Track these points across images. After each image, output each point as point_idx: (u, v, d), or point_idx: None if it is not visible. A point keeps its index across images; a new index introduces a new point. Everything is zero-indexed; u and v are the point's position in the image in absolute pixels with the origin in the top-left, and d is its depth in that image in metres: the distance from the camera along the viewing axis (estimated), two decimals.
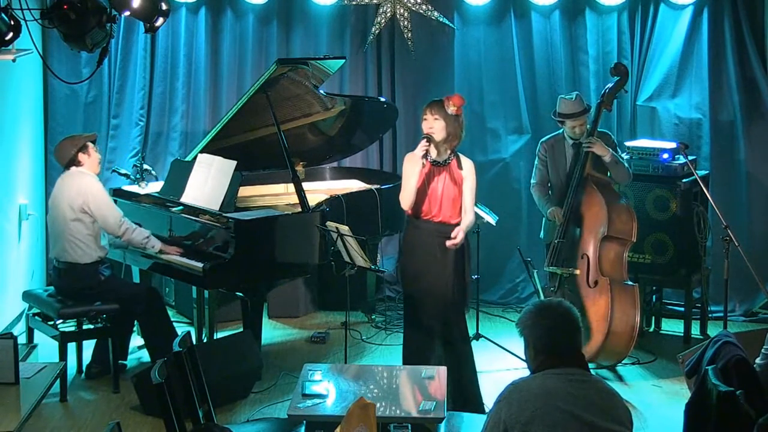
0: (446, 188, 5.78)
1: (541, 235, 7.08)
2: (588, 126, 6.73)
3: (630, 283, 6.66)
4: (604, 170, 6.81)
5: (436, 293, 5.79)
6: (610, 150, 6.67)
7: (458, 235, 5.76)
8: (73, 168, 6.46)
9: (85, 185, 6.38)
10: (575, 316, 3.53)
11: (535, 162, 6.97)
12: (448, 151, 5.81)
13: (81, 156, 6.46)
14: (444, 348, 5.85)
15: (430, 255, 5.79)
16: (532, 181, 6.97)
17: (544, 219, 6.97)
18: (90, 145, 6.52)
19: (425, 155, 5.73)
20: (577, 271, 6.62)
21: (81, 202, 6.36)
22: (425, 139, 5.72)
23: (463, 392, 5.87)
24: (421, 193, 5.77)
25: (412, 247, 5.88)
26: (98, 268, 6.47)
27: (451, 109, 5.72)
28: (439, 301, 5.80)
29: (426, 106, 5.80)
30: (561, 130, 6.86)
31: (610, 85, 6.77)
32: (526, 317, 3.55)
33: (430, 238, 5.81)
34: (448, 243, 5.75)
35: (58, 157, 6.53)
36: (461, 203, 5.82)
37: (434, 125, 5.73)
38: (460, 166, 5.82)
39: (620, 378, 6.71)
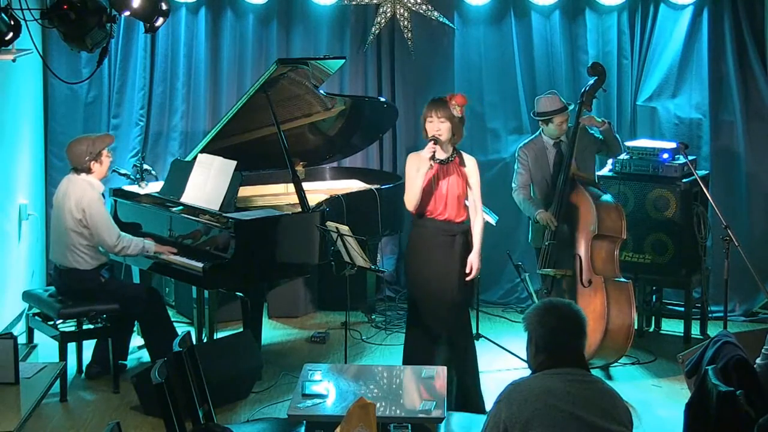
0: (450, 186, 5.78)
1: (529, 239, 7.08)
2: (570, 124, 6.73)
3: (623, 279, 6.66)
4: (589, 169, 6.82)
5: (441, 292, 5.78)
6: (603, 120, 6.71)
7: (475, 263, 5.83)
8: (81, 175, 6.43)
9: (86, 202, 6.34)
10: (582, 319, 3.52)
11: (516, 167, 6.94)
12: (451, 149, 5.82)
13: (93, 165, 6.44)
14: (448, 348, 5.83)
15: (435, 254, 5.79)
16: (514, 185, 6.93)
17: (530, 223, 6.96)
18: (104, 152, 6.49)
19: (433, 157, 5.72)
20: (570, 272, 6.62)
21: (80, 218, 6.35)
22: (432, 142, 5.71)
23: (465, 393, 5.87)
24: (426, 192, 5.76)
25: (417, 247, 5.87)
26: (99, 271, 6.46)
27: (456, 110, 5.72)
28: (444, 301, 5.79)
29: (430, 107, 5.77)
30: (538, 132, 6.87)
31: (591, 82, 6.75)
32: (533, 314, 3.54)
33: (434, 237, 5.80)
34: (468, 278, 5.81)
35: (71, 156, 6.46)
36: (465, 200, 5.83)
37: (441, 127, 5.72)
38: (462, 164, 5.83)
39: (610, 377, 6.71)
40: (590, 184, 6.73)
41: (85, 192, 6.38)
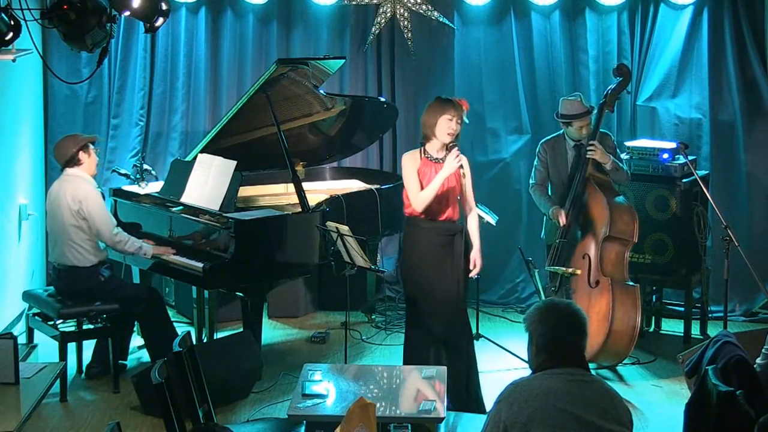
0: (449, 185, 5.77)
1: (542, 235, 7.08)
2: (591, 126, 6.74)
3: (631, 283, 6.67)
4: (605, 171, 6.82)
5: (444, 293, 5.77)
6: (611, 156, 6.69)
7: (478, 260, 5.87)
8: (73, 169, 6.44)
9: (82, 194, 6.35)
10: (583, 319, 3.52)
11: (535, 162, 6.96)
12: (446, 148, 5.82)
13: (81, 155, 6.45)
14: (447, 348, 5.83)
15: (437, 255, 5.76)
16: (531, 181, 6.97)
17: (545, 219, 6.97)
18: (90, 145, 6.52)
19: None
20: (579, 271, 6.62)
21: (77, 209, 6.35)
22: (456, 148, 5.71)
23: (465, 393, 5.86)
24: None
25: (417, 248, 5.84)
26: (98, 269, 6.47)
27: (464, 116, 5.77)
28: (446, 301, 5.78)
29: (451, 106, 5.72)
30: (561, 131, 6.87)
31: (612, 86, 6.78)
32: (533, 313, 3.54)
33: (435, 238, 5.78)
34: (473, 273, 5.85)
35: (58, 154, 6.51)
36: (458, 198, 5.83)
37: (458, 129, 5.74)
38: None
39: (620, 378, 6.71)
40: (607, 185, 6.74)
41: (79, 184, 6.40)
